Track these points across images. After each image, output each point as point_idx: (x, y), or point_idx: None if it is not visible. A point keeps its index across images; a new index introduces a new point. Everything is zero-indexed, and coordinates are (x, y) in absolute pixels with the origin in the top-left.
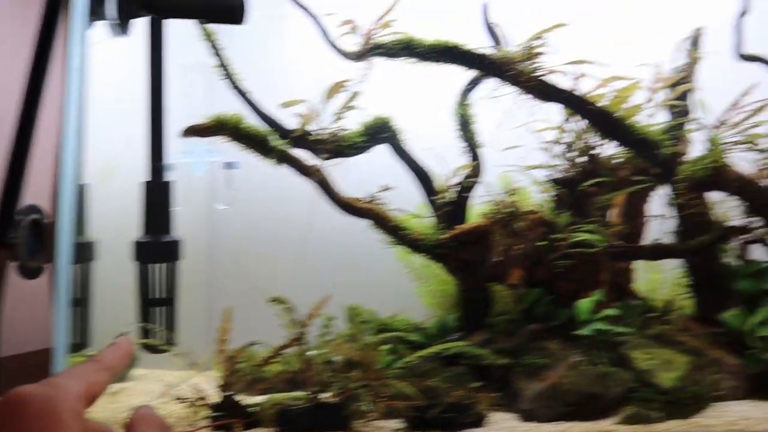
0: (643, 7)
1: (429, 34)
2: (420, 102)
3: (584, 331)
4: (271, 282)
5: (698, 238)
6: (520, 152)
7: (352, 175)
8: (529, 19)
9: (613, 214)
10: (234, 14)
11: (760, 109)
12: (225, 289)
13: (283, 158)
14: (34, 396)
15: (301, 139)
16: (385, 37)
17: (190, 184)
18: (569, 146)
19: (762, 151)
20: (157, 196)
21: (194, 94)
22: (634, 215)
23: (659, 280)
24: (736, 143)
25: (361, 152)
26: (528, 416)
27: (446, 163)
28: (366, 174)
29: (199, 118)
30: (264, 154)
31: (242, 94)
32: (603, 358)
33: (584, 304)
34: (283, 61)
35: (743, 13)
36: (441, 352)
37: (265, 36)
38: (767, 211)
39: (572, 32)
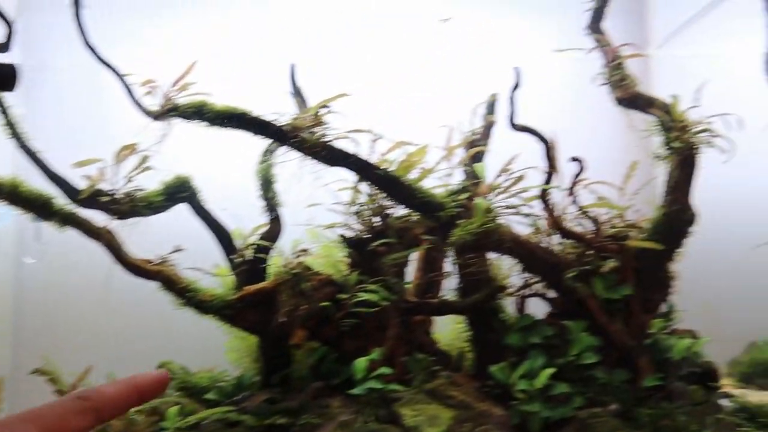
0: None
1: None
2: (224, 161)
3: (356, 391)
4: (80, 335)
5: (473, 296)
6: (320, 212)
7: (159, 235)
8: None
9: (415, 270)
10: (6, 80)
11: (521, 177)
12: (32, 344)
13: (68, 220)
14: None
15: (91, 199)
16: (181, 99)
17: None
18: (362, 207)
19: (527, 215)
20: None
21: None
22: (433, 271)
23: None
24: (507, 207)
25: (159, 211)
26: None
27: (247, 222)
28: (176, 233)
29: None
30: (46, 218)
31: (29, 153)
32: (374, 415)
33: (360, 363)
34: (94, 118)
35: (516, 87)
36: (207, 417)
37: (76, 92)
38: (539, 268)
39: (365, 100)
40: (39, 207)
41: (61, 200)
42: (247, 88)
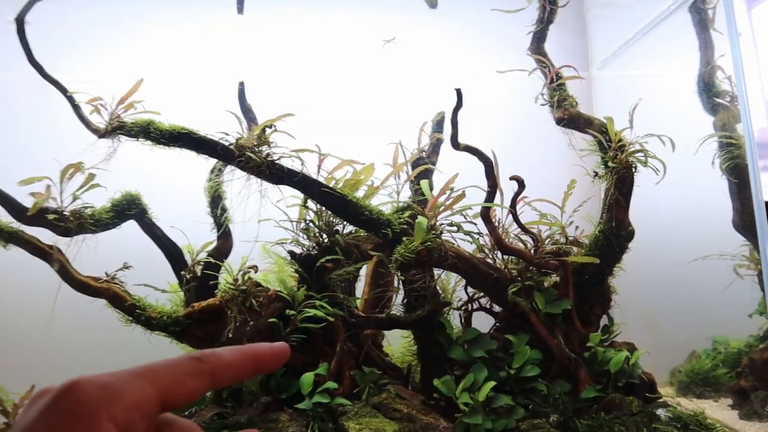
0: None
1: (194, 115)
2: (173, 179)
3: (303, 406)
4: (25, 353)
5: (416, 312)
6: (270, 228)
7: (110, 252)
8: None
9: (365, 285)
10: None
11: (462, 195)
12: None
13: (12, 238)
14: (84, 392)
15: (39, 217)
16: (128, 117)
17: None
18: (311, 224)
19: (469, 232)
20: None
21: None
22: (381, 286)
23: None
24: (450, 224)
25: (108, 228)
26: None
27: (197, 239)
28: (129, 250)
29: None
30: None
31: None
32: (321, 430)
33: (307, 378)
34: (43, 135)
35: (458, 108)
36: None
37: (24, 107)
38: (482, 284)
39: (313, 119)
40: None
41: (5, 218)
42: (198, 107)
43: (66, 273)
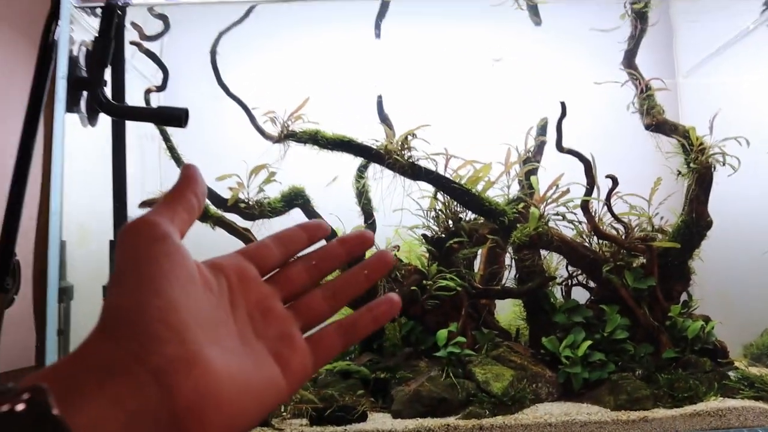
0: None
1: (338, 123)
2: (328, 174)
3: (440, 354)
4: None
5: (527, 284)
6: (406, 216)
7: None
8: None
9: (481, 263)
10: (180, 120)
11: (567, 191)
12: None
13: (218, 222)
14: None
15: (233, 206)
16: (296, 127)
17: None
18: (439, 212)
19: (571, 221)
20: None
21: (148, 160)
22: (495, 263)
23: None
24: (556, 214)
25: (280, 214)
26: (396, 415)
27: (347, 224)
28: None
29: (154, 183)
30: (202, 220)
31: None
32: (453, 372)
33: (442, 333)
34: (224, 140)
35: (562, 117)
36: (333, 369)
37: (209, 117)
38: (581, 263)
39: (442, 126)
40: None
41: (212, 207)
42: (340, 115)
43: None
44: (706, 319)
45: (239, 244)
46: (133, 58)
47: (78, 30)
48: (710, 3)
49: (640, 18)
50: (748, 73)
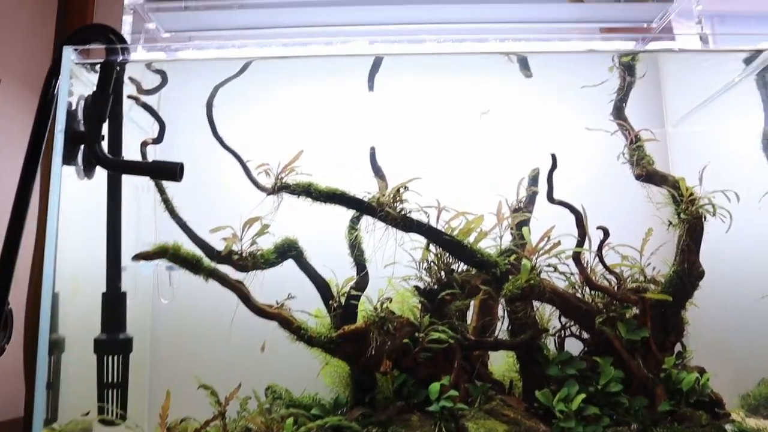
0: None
1: (332, 174)
2: (321, 227)
3: (432, 408)
4: (203, 365)
5: (520, 336)
6: (398, 267)
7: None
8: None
9: (474, 314)
10: (174, 174)
11: (558, 243)
12: (166, 371)
13: (211, 275)
14: None
15: (226, 258)
16: (290, 179)
17: (139, 282)
18: (431, 264)
19: (563, 272)
20: (113, 304)
21: (144, 211)
22: (487, 315)
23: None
24: (548, 265)
25: (273, 266)
26: None
27: (339, 275)
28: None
29: (148, 234)
30: (196, 272)
31: (179, 222)
32: (446, 427)
33: (435, 386)
34: (219, 191)
35: (553, 169)
36: (325, 424)
37: (205, 169)
38: (573, 314)
39: (435, 177)
40: (192, 264)
41: (205, 260)
42: (331, 167)
43: (248, 301)
44: (701, 371)
45: (232, 297)
46: (130, 110)
47: (77, 84)
48: (696, 55)
49: (628, 70)
50: (734, 120)
